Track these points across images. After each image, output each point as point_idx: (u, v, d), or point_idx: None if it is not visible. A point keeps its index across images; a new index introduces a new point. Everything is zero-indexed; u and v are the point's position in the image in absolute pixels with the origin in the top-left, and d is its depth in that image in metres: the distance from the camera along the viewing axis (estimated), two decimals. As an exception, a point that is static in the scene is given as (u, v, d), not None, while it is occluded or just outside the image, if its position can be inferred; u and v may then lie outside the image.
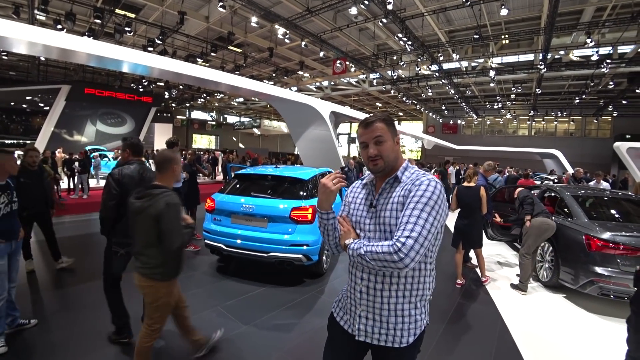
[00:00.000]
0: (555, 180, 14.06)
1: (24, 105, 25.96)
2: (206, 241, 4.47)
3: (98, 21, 11.84)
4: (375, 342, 1.32)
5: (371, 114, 1.32)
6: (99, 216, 2.71)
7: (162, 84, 23.41)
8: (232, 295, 3.84)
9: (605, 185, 8.09)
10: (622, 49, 14.60)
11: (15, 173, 2.98)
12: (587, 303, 4.06)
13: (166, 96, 26.23)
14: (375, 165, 1.32)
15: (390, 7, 10.18)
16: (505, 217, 5.86)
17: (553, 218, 4.57)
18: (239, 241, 4.17)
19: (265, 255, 4.06)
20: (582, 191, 5.21)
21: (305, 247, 4.02)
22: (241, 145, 38.72)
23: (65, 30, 11.18)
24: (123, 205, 2.62)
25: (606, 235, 3.82)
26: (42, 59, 17.24)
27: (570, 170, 19.01)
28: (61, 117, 18.31)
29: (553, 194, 5.34)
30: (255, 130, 39.24)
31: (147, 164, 3.11)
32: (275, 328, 3.16)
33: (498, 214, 5.60)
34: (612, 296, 3.72)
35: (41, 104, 24.25)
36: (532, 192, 5.39)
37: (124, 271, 2.73)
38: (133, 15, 12.75)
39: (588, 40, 11.48)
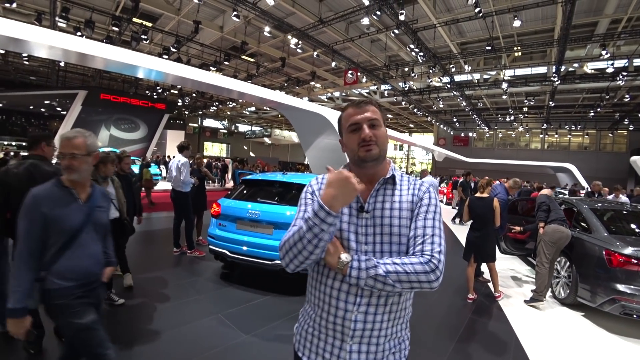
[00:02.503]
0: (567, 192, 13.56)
1: (42, 109, 26.78)
2: (210, 246, 4.41)
3: (116, 29, 12.17)
4: None
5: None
6: None
7: (176, 92, 23.85)
8: (234, 303, 3.74)
9: (624, 199, 7.80)
10: (638, 62, 14.33)
11: None
12: (608, 323, 3.83)
13: (179, 104, 26.71)
14: (369, 150, 1.08)
15: (402, 18, 10.20)
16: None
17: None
18: (244, 248, 4.10)
19: (270, 262, 3.97)
20: (600, 204, 5.01)
21: (310, 255, 3.92)
22: (252, 154, 39.03)
23: (84, 37, 11.50)
24: (14, 207, 2.31)
25: (628, 250, 3.62)
26: (62, 64, 17.76)
27: (584, 184, 18.50)
28: (77, 121, 18.75)
29: (570, 207, 5.14)
30: (266, 140, 39.55)
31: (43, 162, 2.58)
32: (276, 339, 3.04)
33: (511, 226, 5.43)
34: (635, 316, 3.50)
35: (58, 108, 24.99)
36: None
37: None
38: (150, 24, 13.08)
39: (603, 53, 11.27)
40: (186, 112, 32.80)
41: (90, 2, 11.67)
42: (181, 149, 5.48)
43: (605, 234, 4.06)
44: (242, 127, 41.40)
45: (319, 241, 0.98)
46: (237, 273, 4.74)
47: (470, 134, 32.74)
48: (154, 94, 22.84)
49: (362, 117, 1.10)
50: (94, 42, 7.79)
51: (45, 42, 6.17)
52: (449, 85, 17.37)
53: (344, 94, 22.11)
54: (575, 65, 14.98)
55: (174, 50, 13.52)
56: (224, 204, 4.42)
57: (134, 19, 11.85)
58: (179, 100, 25.78)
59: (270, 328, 3.23)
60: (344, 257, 1.02)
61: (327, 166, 1.14)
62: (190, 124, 35.38)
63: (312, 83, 18.90)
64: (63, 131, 18.55)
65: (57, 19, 11.31)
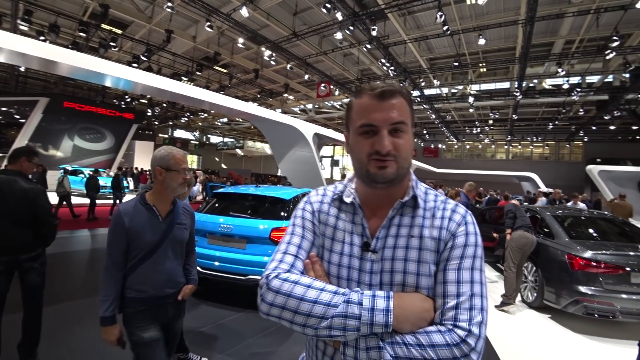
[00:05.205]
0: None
1: (-2, 116, 25.00)
2: (181, 261, 4.22)
3: (83, 35, 11.70)
4: None
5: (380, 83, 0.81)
6: None
7: (146, 101, 23.12)
8: (207, 321, 3.58)
9: (582, 206, 8.32)
10: (590, 79, 15.56)
11: None
12: (573, 323, 4.00)
13: (149, 114, 25.87)
14: (384, 168, 0.76)
15: (374, 33, 10.54)
16: (487, 237, 5.96)
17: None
18: (216, 263, 3.95)
19: (244, 278, 3.84)
20: (560, 211, 5.31)
21: (286, 268, 3.84)
22: (223, 166, 38.32)
23: (47, 41, 10.96)
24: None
25: (588, 253, 3.84)
26: (22, 69, 16.79)
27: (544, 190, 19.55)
28: (37, 130, 17.62)
29: (534, 214, 5.39)
30: (239, 151, 39.01)
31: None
32: (251, 357, 2.93)
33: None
34: (596, 315, 3.69)
35: (17, 116, 23.36)
36: None
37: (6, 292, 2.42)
38: (119, 31, 12.68)
39: (559, 70, 12.16)
40: (156, 123, 31.81)
41: (55, 6, 11.20)
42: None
43: (567, 239, 4.28)
44: (214, 139, 40.66)
45: (332, 330, 0.70)
46: (208, 290, 4.55)
47: (439, 146, 33.95)
48: (122, 103, 22.02)
49: (384, 117, 0.77)
50: (57, 47, 7.45)
51: (4, 46, 5.82)
52: (419, 99, 18.01)
53: (316, 106, 22.33)
54: (535, 81, 16.04)
55: (144, 58, 13.17)
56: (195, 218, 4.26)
57: (103, 25, 11.46)
58: (149, 110, 24.97)
59: (244, 346, 3.11)
60: None
61: None
62: (160, 135, 34.28)
63: (285, 95, 19.00)
64: (21, 140, 17.41)
65: (18, 21, 10.74)
